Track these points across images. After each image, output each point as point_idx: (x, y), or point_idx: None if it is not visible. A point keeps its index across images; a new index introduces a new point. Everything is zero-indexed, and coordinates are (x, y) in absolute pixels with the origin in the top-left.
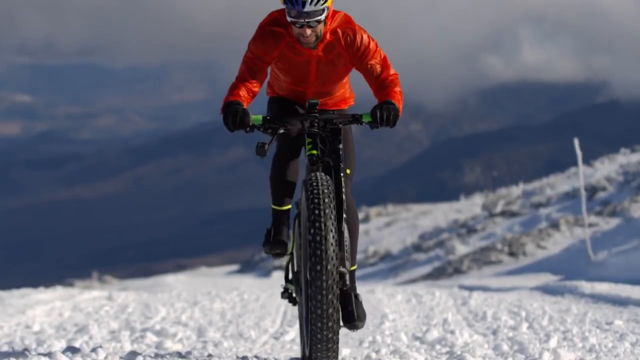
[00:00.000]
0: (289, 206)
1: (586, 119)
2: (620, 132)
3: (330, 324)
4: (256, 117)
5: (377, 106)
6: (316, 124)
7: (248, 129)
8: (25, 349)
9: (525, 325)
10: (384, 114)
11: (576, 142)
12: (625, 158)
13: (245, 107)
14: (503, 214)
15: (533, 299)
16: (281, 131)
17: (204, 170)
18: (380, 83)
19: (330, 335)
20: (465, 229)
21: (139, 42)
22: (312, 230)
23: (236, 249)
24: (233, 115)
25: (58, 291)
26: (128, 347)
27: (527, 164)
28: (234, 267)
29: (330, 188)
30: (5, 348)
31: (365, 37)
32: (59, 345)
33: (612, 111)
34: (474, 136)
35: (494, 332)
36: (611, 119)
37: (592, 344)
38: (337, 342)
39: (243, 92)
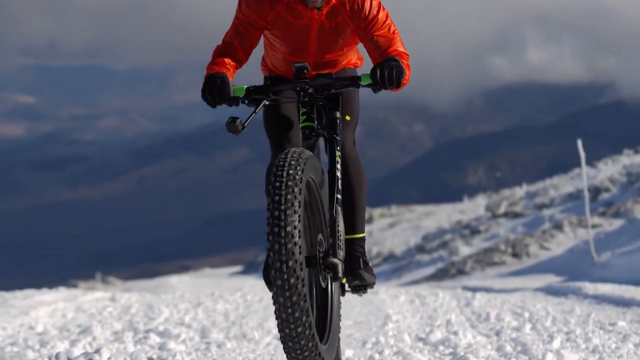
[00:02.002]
0: None
1: (590, 120)
2: (624, 133)
3: (299, 329)
4: (239, 88)
5: (376, 65)
6: (308, 91)
7: (229, 102)
8: (29, 350)
9: (528, 326)
10: (385, 72)
11: (579, 143)
12: (629, 159)
13: (229, 77)
14: (506, 215)
15: (536, 300)
16: (266, 103)
17: (207, 171)
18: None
19: (299, 344)
20: (469, 230)
21: (142, 43)
22: (269, 220)
23: (240, 249)
24: (210, 88)
25: (61, 292)
26: (131, 348)
27: (531, 165)
28: (238, 268)
29: (299, 168)
30: (9, 349)
31: (374, 4)
32: (62, 346)
33: (616, 112)
34: (477, 137)
35: (498, 333)
36: (615, 119)
37: (595, 345)
38: (313, 352)
39: (229, 60)
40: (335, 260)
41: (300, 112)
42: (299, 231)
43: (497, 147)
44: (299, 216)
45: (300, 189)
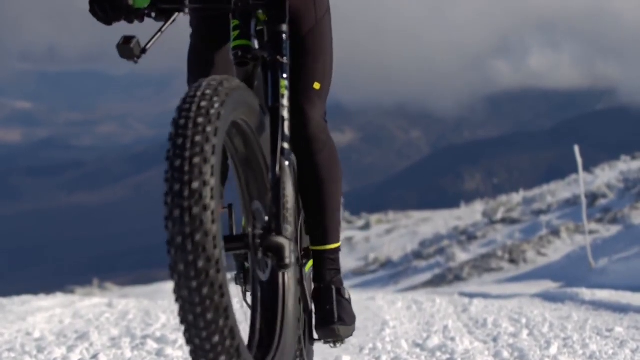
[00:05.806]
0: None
1: (588, 126)
2: (621, 139)
3: (216, 338)
4: None
5: None
6: None
7: (130, 16)
8: (26, 356)
9: (525, 332)
10: None
11: (576, 149)
12: (626, 165)
13: None
14: (503, 220)
15: (533, 306)
16: (179, 15)
17: None
18: None
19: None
20: (466, 235)
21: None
22: (168, 175)
23: None
24: None
25: (58, 298)
26: (128, 354)
27: (528, 170)
28: (234, 273)
29: (216, 100)
30: (6, 355)
31: None
32: (59, 352)
33: (614, 118)
34: (475, 143)
35: (495, 339)
36: (613, 125)
37: (592, 351)
38: None
39: None
40: (280, 240)
41: (232, 24)
42: (212, 189)
43: (495, 152)
44: (213, 168)
45: (215, 129)
